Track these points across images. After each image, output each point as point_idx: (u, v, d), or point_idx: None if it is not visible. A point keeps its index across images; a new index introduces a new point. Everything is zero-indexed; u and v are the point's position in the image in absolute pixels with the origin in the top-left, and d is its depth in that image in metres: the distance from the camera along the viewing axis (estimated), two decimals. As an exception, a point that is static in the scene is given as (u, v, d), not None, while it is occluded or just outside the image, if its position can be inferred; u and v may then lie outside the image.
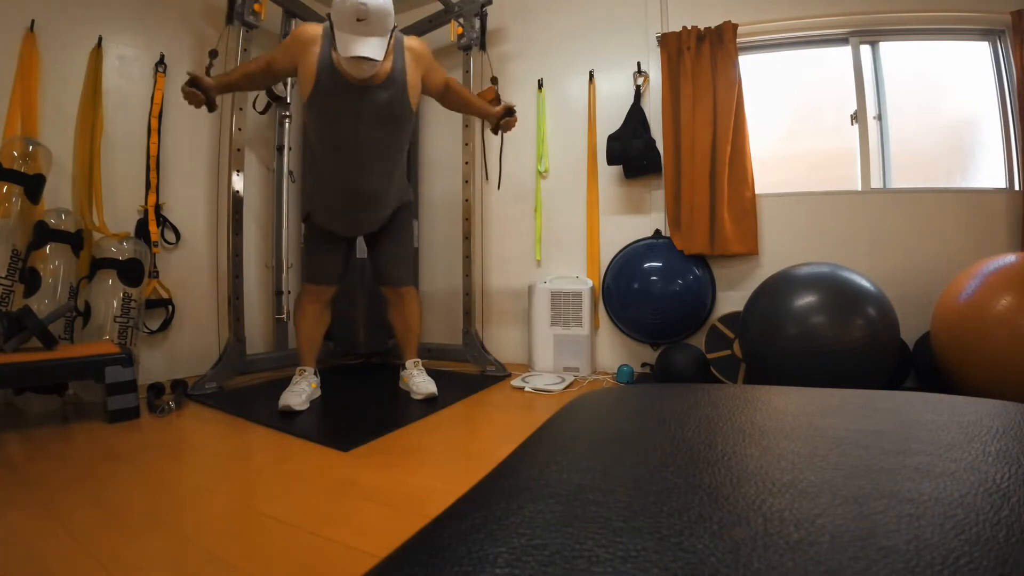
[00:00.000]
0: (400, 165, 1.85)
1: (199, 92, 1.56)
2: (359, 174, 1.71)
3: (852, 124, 2.25)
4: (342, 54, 1.45)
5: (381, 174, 1.75)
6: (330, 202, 1.77)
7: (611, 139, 2.34)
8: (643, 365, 2.39)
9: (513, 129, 1.99)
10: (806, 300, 1.61)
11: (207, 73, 1.62)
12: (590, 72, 2.54)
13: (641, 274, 2.31)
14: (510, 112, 1.93)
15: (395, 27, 1.58)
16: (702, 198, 2.21)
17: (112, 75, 2.10)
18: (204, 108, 1.59)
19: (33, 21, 1.87)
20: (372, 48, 1.45)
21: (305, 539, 0.88)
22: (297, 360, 1.90)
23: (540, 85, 2.66)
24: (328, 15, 1.52)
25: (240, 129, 2.11)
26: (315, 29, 1.60)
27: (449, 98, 1.88)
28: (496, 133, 2.01)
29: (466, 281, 2.48)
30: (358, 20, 1.43)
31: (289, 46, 1.62)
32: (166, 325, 2.22)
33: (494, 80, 2.41)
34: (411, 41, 1.70)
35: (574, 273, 2.54)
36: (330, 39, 1.56)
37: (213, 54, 1.72)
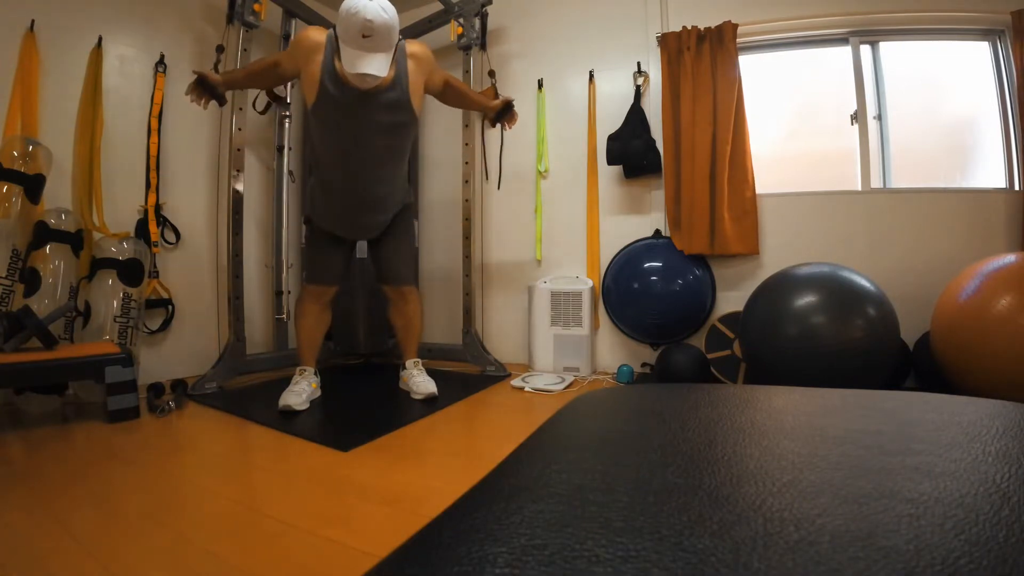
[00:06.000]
0: (403, 169, 1.87)
1: (205, 89, 1.59)
2: (363, 180, 1.73)
3: (852, 124, 2.25)
4: (347, 69, 1.46)
5: (385, 180, 1.78)
6: (334, 207, 1.79)
7: (611, 139, 2.34)
8: (643, 365, 2.39)
9: (514, 125, 1.99)
10: (806, 300, 1.61)
11: (215, 69, 1.65)
12: (590, 72, 2.54)
13: (641, 274, 2.31)
14: (509, 107, 1.92)
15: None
16: (702, 198, 2.20)
17: (112, 75, 2.10)
18: (212, 104, 1.64)
19: (33, 21, 1.86)
20: (376, 65, 1.47)
21: (305, 539, 0.88)
22: (297, 360, 1.90)
23: (540, 85, 2.66)
24: (334, 27, 1.52)
25: (240, 129, 2.11)
26: (319, 35, 1.59)
27: (448, 95, 1.89)
28: (494, 126, 2.01)
29: (466, 281, 2.48)
30: (364, 37, 1.44)
31: (293, 52, 1.63)
32: (166, 325, 2.22)
33: (491, 73, 2.40)
34: (412, 46, 1.69)
35: (574, 273, 2.54)
36: (334, 47, 1.56)
37: (219, 49, 1.78)
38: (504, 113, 1.93)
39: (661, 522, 0.23)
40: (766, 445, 0.35)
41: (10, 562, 0.80)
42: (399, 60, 1.64)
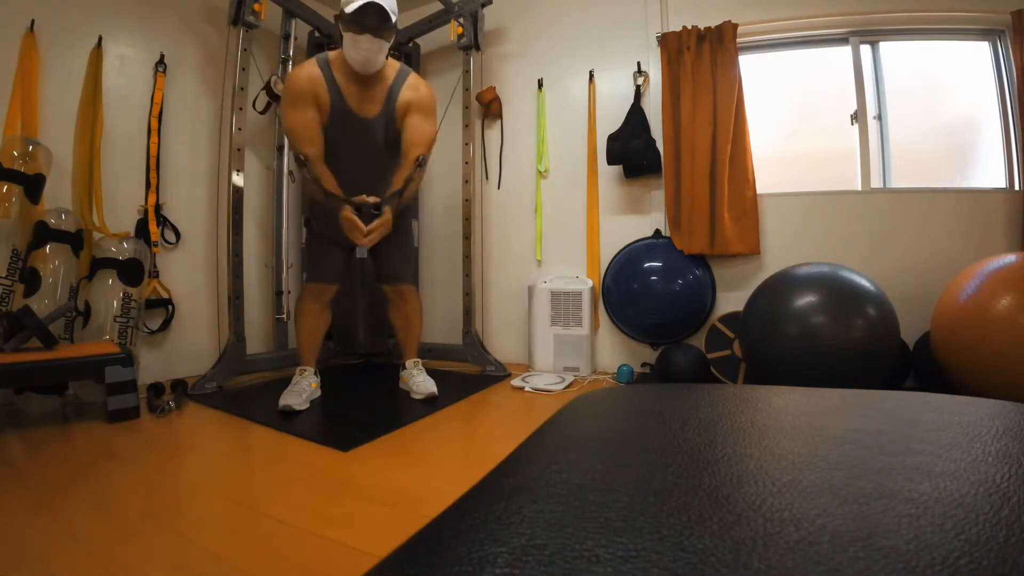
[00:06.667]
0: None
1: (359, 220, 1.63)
2: (359, 188, 1.76)
3: (852, 124, 2.25)
4: (348, 9, 1.54)
5: (380, 188, 1.80)
6: (329, 216, 1.80)
7: (611, 139, 2.33)
8: (643, 365, 2.39)
9: (381, 232, 1.70)
10: (806, 300, 1.61)
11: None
12: (590, 72, 2.53)
13: (641, 274, 2.31)
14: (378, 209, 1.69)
15: (406, 49, 1.68)
16: (702, 198, 2.20)
17: (112, 75, 2.10)
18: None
19: (33, 21, 1.86)
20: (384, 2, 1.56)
21: (305, 539, 0.88)
22: (297, 360, 1.90)
23: (540, 85, 2.66)
24: (335, 19, 1.59)
25: (240, 129, 2.10)
26: (309, 68, 1.69)
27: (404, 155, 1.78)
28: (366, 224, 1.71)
29: (466, 281, 2.48)
30: None
31: (300, 92, 1.65)
32: (166, 325, 2.22)
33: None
34: (415, 79, 1.79)
35: (574, 273, 2.54)
36: (328, 66, 1.69)
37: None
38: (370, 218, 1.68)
39: (661, 522, 0.23)
40: (766, 445, 0.35)
41: (10, 562, 0.80)
42: (397, 79, 1.75)
